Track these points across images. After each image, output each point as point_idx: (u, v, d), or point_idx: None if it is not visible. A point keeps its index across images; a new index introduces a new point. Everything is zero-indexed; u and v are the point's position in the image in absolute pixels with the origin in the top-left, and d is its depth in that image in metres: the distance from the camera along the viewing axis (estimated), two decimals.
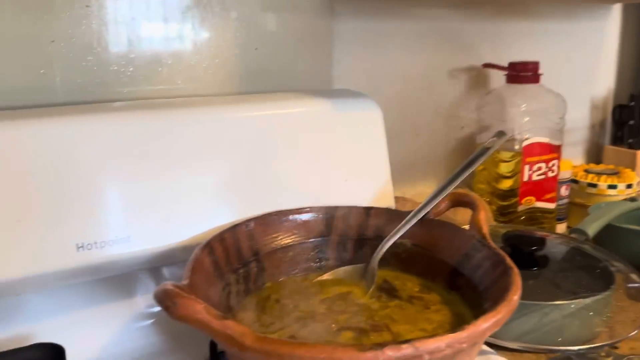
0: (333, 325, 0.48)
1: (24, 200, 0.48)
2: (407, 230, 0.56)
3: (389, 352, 0.34)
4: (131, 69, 0.66)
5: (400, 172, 0.87)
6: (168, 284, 0.39)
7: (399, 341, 0.35)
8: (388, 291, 0.54)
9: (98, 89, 0.64)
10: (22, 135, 0.49)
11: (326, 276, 0.57)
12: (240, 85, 0.74)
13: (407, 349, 0.34)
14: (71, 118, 0.52)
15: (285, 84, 0.77)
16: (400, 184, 0.88)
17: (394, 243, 0.56)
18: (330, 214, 0.59)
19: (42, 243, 0.48)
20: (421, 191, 0.95)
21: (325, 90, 0.76)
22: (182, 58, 0.69)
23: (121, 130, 0.53)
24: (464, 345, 0.36)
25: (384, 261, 0.56)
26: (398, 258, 0.58)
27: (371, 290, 0.54)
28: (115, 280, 0.54)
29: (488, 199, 0.92)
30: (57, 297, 0.53)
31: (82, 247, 0.50)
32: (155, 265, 0.54)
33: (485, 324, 0.37)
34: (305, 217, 0.59)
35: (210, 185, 0.57)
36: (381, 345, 0.34)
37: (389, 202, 0.67)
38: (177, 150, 0.55)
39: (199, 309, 0.36)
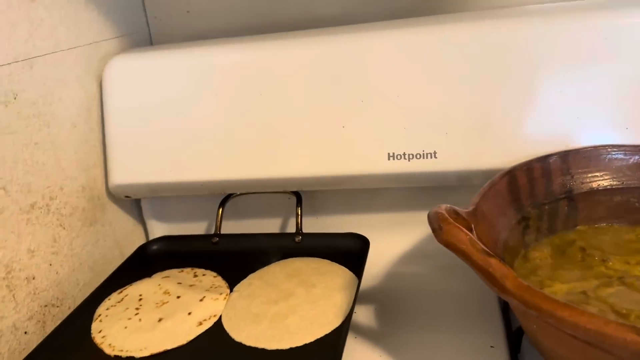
0: None
1: (349, 109, 0.54)
2: None
3: None
4: None
5: None
6: (442, 207, 0.38)
7: None
8: None
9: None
10: (346, 49, 0.54)
11: None
12: None
13: None
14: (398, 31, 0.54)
15: None
16: None
17: None
18: None
19: (360, 148, 0.54)
20: None
21: None
22: None
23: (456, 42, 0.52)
24: None
25: None
26: None
27: None
28: (423, 191, 0.57)
29: None
30: (369, 197, 0.59)
31: (392, 156, 0.53)
32: (459, 184, 0.54)
33: None
34: None
35: (540, 106, 0.51)
36: None
37: None
38: (513, 66, 0.51)
39: (464, 239, 0.35)
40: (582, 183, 0.48)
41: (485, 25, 0.53)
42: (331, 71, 0.54)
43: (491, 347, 0.46)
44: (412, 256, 0.58)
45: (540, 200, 0.47)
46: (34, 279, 0.50)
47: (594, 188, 0.48)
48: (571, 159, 0.48)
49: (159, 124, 0.59)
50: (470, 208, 0.42)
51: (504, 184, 0.46)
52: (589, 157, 0.48)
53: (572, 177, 0.48)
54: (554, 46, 0.50)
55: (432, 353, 0.46)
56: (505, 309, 0.49)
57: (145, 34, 0.71)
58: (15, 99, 0.49)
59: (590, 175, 0.48)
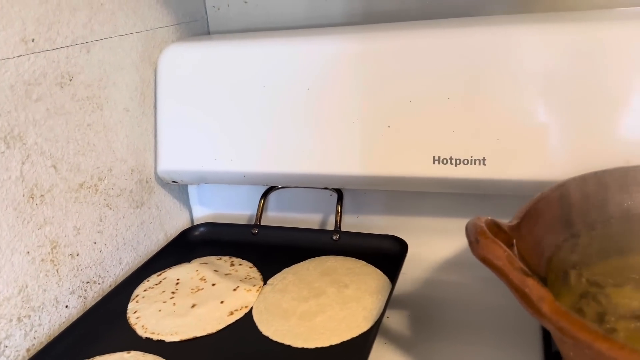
0: None
1: (396, 108, 0.52)
2: None
3: None
4: None
5: None
6: (482, 219, 0.36)
7: None
8: None
9: None
10: (397, 46, 0.52)
11: None
12: None
13: None
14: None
15: None
16: None
17: None
18: None
19: (405, 150, 0.52)
20: None
21: None
22: None
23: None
24: None
25: None
26: None
27: None
28: (468, 198, 0.54)
29: None
30: (413, 200, 0.58)
31: (437, 160, 0.51)
32: (508, 194, 0.51)
33: None
34: None
35: (602, 117, 0.48)
36: None
37: None
38: (577, 72, 0.48)
39: (501, 255, 0.33)
40: None
41: (557, 28, 0.49)
42: (380, 69, 0.53)
43: None
44: (453, 265, 0.56)
45: (593, 218, 0.44)
46: (77, 255, 0.52)
47: None
48: (631, 177, 0.44)
49: (209, 113, 0.60)
50: (514, 222, 0.39)
51: (555, 197, 0.43)
52: None
53: (632, 195, 0.44)
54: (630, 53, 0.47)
55: None
56: (546, 329, 0.47)
57: (203, 23, 0.72)
58: (70, 80, 0.51)
59: None
